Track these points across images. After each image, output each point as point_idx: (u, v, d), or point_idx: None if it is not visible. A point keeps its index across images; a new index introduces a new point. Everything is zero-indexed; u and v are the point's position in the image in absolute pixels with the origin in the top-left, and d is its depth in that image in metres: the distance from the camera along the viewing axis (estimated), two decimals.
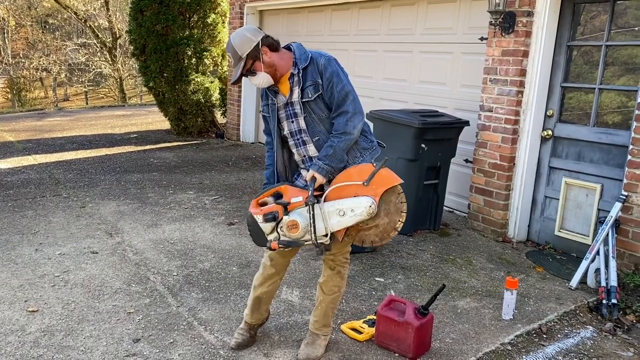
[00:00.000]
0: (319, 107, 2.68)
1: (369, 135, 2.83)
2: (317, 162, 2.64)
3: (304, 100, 2.68)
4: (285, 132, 2.79)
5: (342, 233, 2.62)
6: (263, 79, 2.65)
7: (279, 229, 2.61)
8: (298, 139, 2.77)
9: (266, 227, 2.62)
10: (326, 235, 2.58)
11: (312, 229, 2.55)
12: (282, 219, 2.58)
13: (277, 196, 2.67)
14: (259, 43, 2.60)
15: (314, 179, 2.61)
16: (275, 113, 2.78)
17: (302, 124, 2.72)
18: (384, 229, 2.61)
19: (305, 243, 2.62)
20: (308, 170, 2.71)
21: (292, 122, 2.75)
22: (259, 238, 2.69)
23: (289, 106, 2.73)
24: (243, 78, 2.70)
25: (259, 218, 2.61)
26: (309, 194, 2.55)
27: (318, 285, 2.93)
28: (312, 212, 2.54)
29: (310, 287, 3.70)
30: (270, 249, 2.63)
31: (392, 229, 2.60)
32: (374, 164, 2.60)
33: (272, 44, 2.66)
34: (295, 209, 2.58)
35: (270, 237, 2.63)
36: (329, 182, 2.66)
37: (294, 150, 2.82)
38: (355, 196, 2.53)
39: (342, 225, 2.56)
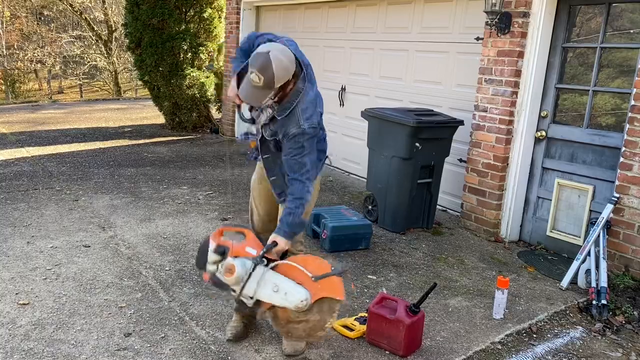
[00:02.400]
0: (272, 142, 2.70)
1: (322, 146, 2.83)
2: (281, 228, 2.63)
3: (262, 131, 2.69)
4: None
5: (268, 306, 2.57)
6: (270, 102, 2.60)
7: (219, 266, 2.59)
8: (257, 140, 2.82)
9: (212, 256, 2.60)
10: (252, 298, 2.54)
11: (243, 284, 2.51)
12: (225, 258, 2.57)
13: (240, 237, 2.67)
14: (292, 75, 2.53)
15: (274, 243, 2.58)
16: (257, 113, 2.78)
17: (259, 135, 2.76)
18: (313, 326, 2.54)
19: (232, 294, 2.60)
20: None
21: (258, 129, 2.78)
22: (201, 260, 2.70)
23: (260, 120, 2.74)
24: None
25: (212, 245, 2.61)
26: (260, 255, 2.53)
27: None
28: (252, 271, 2.51)
29: None
30: (202, 278, 2.63)
31: (320, 328, 2.53)
32: (332, 268, 2.52)
33: (296, 74, 2.58)
34: (241, 258, 2.55)
35: (209, 268, 2.62)
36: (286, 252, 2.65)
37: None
38: (298, 283, 2.49)
39: (270, 300, 2.52)
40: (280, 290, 2.49)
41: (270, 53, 2.45)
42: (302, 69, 2.62)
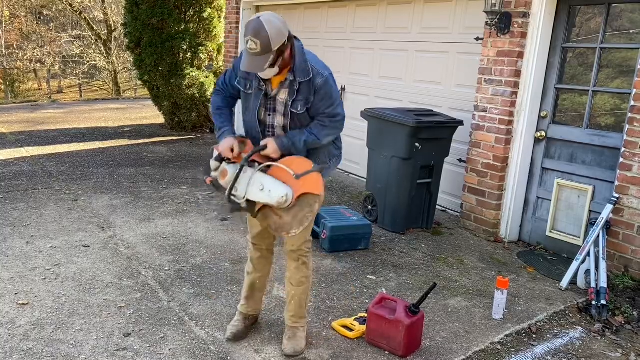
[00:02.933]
0: (303, 116, 2.71)
1: (339, 143, 2.90)
2: (281, 137, 2.67)
3: (292, 110, 2.68)
4: (261, 118, 2.79)
5: (260, 205, 2.70)
6: (273, 72, 2.59)
7: (219, 171, 2.78)
8: (270, 132, 2.78)
9: (213, 164, 2.79)
10: (244, 199, 2.68)
11: (231, 184, 2.68)
12: (220, 165, 2.76)
13: (241, 146, 2.80)
14: (289, 37, 2.55)
15: (264, 146, 2.67)
16: (260, 98, 2.74)
17: (281, 122, 2.74)
18: (282, 224, 2.65)
19: (225, 194, 2.74)
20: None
21: (270, 115, 2.75)
22: (207, 169, 2.88)
23: (271, 100, 2.72)
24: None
25: (215, 153, 2.79)
26: (246, 156, 2.67)
27: (286, 280, 2.98)
28: (238, 172, 2.66)
29: (312, 286, 3.70)
30: (205, 181, 2.84)
31: (285, 229, 2.64)
32: (313, 165, 2.64)
33: (292, 40, 2.60)
34: (236, 164, 2.72)
35: (212, 174, 2.81)
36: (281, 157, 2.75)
37: (261, 136, 2.83)
38: (282, 182, 2.62)
39: (258, 198, 2.65)
40: (265, 188, 2.62)
41: (261, 17, 2.48)
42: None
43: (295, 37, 2.65)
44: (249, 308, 3.06)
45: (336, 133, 2.77)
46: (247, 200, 2.68)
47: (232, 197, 2.71)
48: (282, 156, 2.70)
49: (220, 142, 2.76)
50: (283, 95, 2.68)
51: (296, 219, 2.61)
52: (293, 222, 2.62)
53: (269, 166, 2.69)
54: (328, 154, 2.85)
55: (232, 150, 2.71)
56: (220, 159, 2.75)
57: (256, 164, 2.70)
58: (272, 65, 2.54)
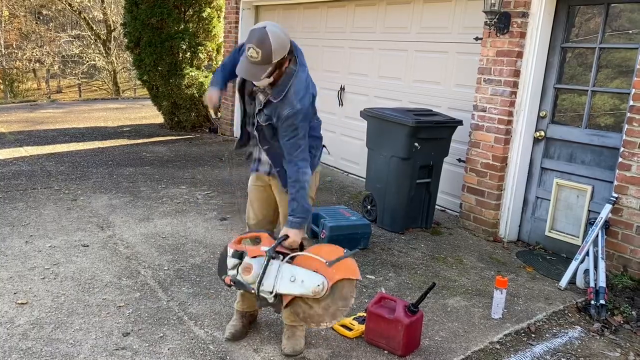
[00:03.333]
0: (268, 129, 2.69)
1: (313, 150, 2.81)
2: (289, 219, 2.67)
3: (257, 116, 2.68)
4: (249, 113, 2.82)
5: (288, 299, 2.65)
6: (266, 82, 2.59)
7: (239, 268, 2.69)
8: (254, 133, 2.80)
9: (231, 261, 2.71)
10: (271, 293, 2.61)
11: (260, 279, 2.60)
12: (240, 263, 2.67)
13: (257, 241, 2.77)
14: (291, 50, 2.54)
15: (285, 235, 2.64)
16: (251, 102, 2.76)
17: (254, 121, 2.75)
18: (312, 314, 2.60)
19: (252, 291, 2.67)
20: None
21: (253, 120, 2.77)
22: (221, 267, 2.82)
23: (255, 104, 2.74)
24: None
25: (230, 251, 2.71)
26: (272, 247, 2.61)
27: None
28: (265, 265, 2.59)
29: None
30: (224, 282, 2.75)
31: (315, 321, 2.59)
32: (345, 251, 2.58)
33: (291, 53, 2.59)
34: (258, 258, 2.64)
35: (230, 272, 2.72)
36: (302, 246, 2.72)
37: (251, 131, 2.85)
38: (314, 271, 2.56)
39: (289, 291, 2.58)
40: (297, 279, 2.56)
41: (267, 27, 2.46)
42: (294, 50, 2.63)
43: (297, 55, 2.63)
44: (244, 305, 3.05)
45: (305, 163, 2.65)
46: (276, 294, 2.61)
47: (260, 293, 2.62)
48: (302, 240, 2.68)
49: (207, 92, 2.79)
50: (260, 98, 2.69)
51: (328, 311, 2.55)
52: (325, 314, 2.55)
53: (294, 257, 2.62)
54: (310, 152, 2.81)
55: (213, 100, 2.74)
56: (239, 256, 2.66)
57: (281, 256, 2.63)
58: (268, 76, 2.54)
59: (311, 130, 2.77)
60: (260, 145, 2.82)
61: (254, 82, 2.63)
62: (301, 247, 2.73)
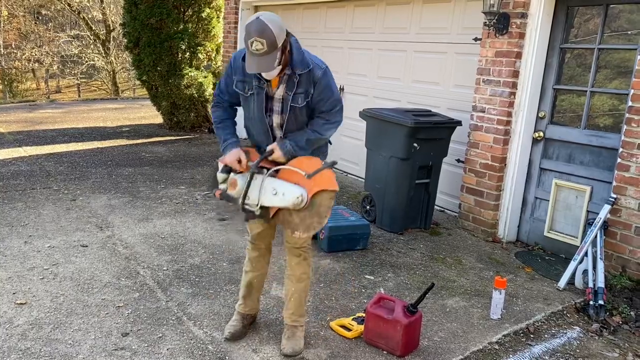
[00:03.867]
0: (302, 112, 2.72)
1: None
2: (285, 142, 2.70)
3: (292, 104, 2.69)
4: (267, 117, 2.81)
5: (274, 210, 2.73)
6: (277, 70, 2.58)
7: (227, 182, 2.79)
8: (276, 130, 2.80)
9: (220, 176, 2.81)
10: (257, 206, 2.71)
11: (244, 193, 2.71)
12: (228, 177, 2.77)
13: (245, 155, 2.81)
14: (288, 34, 2.57)
15: (271, 151, 2.70)
16: (262, 97, 2.72)
17: (278, 120, 2.75)
18: (317, 219, 2.64)
19: (238, 204, 2.76)
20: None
21: (269, 116, 2.76)
22: (213, 182, 2.91)
23: (269, 100, 2.72)
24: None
25: (220, 166, 2.80)
26: (255, 163, 2.70)
27: (286, 278, 2.99)
28: (249, 180, 2.67)
29: (310, 286, 3.70)
30: (214, 195, 2.85)
31: (323, 217, 2.64)
32: (323, 162, 2.67)
33: (289, 37, 2.61)
34: (244, 173, 2.74)
35: (220, 186, 2.82)
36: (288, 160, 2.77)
37: (265, 138, 2.85)
38: (295, 183, 2.64)
39: (272, 203, 2.67)
40: (279, 192, 2.63)
41: (260, 17, 2.47)
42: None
43: (289, 33, 2.65)
44: (247, 307, 3.06)
45: (337, 125, 2.78)
46: (261, 207, 2.70)
47: (245, 206, 2.72)
48: (289, 159, 2.72)
49: (226, 154, 2.77)
50: (281, 92, 2.68)
51: (304, 222, 2.63)
52: (300, 224, 2.64)
53: (277, 170, 2.70)
54: (323, 152, 2.88)
55: (240, 162, 2.73)
56: (227, 171, 2.76)
57: (265, 170, 2.71)
58: (279, 63, 2.54)
59: None
60: (281, 133, 2.78)
61: (265, 77, 2.62)
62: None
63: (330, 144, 2.99)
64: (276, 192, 2.63)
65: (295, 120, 2.74)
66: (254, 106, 2.75)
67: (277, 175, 2.71)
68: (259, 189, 2.68)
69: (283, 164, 2.72)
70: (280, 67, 2.56)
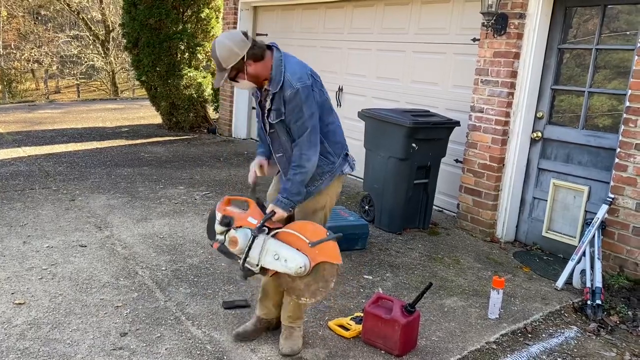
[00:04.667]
0: (281, 131, 2.73)
1: (331, 157, 2.82)
2: (278, 196, 2.71)
3: (268, 120, 2.74)
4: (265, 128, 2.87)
5: (272, 272, 2.72)
6: (245, 85, 2.70)
7: (226, 236, 2.75)
8: (270, 142, 2.87)
9: (218, 228, 2.77)
10: (257, 266, 2.69)
11: (245, 254, 2.68)
12: (230, 229, 2.72)
13: (245, 206, 2.82)
14: (244, 57, 2.61)
15: (272, 212, 2.69)
16: (258, 110, 2.85)
17: (268, 129, 2.81)
18: (314, 289, 2.64)
19: (238, 261, 2.74)
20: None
21: (266, 126, 2.82)
22: (210, 232, 2.89)
23: (265, 111, 2.78)
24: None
25: (219, 216, 2.77)
26: (259, 225, 2.67)
27: None
28: (251, 242, 2.66)
29: None
30: (212, 246, 2.83)
31: (296, 294, 2.66)
32: (328, 233, 2.62)
33: (256, 55, 2.64)
34: (244, 229, 2.70)
35: (218, 238, 2.79)
36: (291, 217, 2.78)
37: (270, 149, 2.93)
38: (297, 250, 2.60)
39: (273, 267, 2.65)
40: (281, 258, 2.61)
41: (217, 39, 2.64)
42: (270, 46, 2.71)
43: (275, 48, 2.72)
44: (261, 311, 3.05)
45: (312, 151, 2.66)
46: (261, 267, 2.68)
47: (245, 264, 2.70)
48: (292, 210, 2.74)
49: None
50: (267, 105, 2.74)
51: (309, 289, 2.61)
52: (305, 290, 2.62)
53: (278, 232, 2.68)
54: (318, 172, 2.78)
55: (262, 167, 2.88)
56: (227, 223, 2.71)
57: (266, 229, 2.68)
58: (233, 80, 2.67)
59: (329, 135, 2.79)
60: (274, 154, 2.85)
61: (236, 87, 2.81)
62: (291, 218, 2.79)
63: (354, 162, 2.95)
64: (278, 257, 2.61)
65: (278, 137, 2.76)
66: (258, 119, 2.90)
67: (279, 236, 2.67)
68: (260, 249, 2.65)
69: (291, 217, 2.75)
70: (250, 82, 2.68)
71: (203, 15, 8.92)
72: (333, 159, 2.82)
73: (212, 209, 2.87)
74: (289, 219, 2.79)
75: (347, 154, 2.92)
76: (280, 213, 2.69)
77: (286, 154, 2.77)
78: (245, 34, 2.65)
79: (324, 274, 2.59)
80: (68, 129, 9.06)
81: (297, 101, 2.61)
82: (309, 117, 2.65)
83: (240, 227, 2.71)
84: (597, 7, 4.32)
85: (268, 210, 2.71)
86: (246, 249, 2.66)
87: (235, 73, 2.64)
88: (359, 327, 3.11)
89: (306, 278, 2.61)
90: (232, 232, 2.70)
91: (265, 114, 2.76)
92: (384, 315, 2.95)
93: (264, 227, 2.68)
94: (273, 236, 2.67)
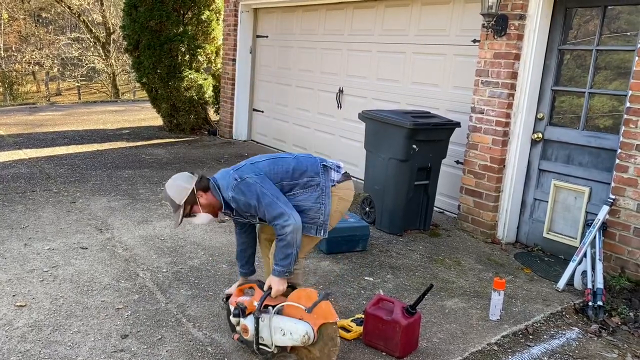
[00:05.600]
0: (256, 220, 2.89)
1: (306, 202, 2.83)
2: (273, 268, 2.77)
3: (241, 221, 2.95)
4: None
5: (289, 347, 2.77)
6: (204, 218, 2.84)
7: (239, 327, 2.85)
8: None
9: (234, 320, 2.87)
10: (273, 345, 2.75)
11: (255, 338, 2.76)
12: (239, 320, 2.83)
13: (251, 292, 2.93)
14: (193, 189, 2.76)
15: (269, 289, 2.75)
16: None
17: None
18: (313, 358, 2.69)
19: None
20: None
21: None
22: (230, 326, 3.00)
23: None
24: None
25: (232, 309, 2.87)
26: (258, 308, 2.73)
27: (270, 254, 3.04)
28: (256, 326, 2.74)
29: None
30: (233, 338, 2.95)
31: (333, 350, 2.65)
32: (318, 294, 2.68)
33: (205, 186, 2.82)
34: (252, 314, 2.78)
35: (237, 329, 2.88)
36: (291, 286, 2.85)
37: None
38: (300, 319, 2.67)
39: (284, 343, 2.71)
40: (286, 332, 2.68)
41: (166, 184, 2.85)
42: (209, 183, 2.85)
43: (207, 178, 2.87)
44: None
45: (281, 219, 2.68)
46: (276, 346, 2.75)
47: (261, 347, 2.78)
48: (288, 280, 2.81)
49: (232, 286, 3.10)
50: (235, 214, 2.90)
51: (324, 352, 2.65)
52: (323, 356, 2.66)
53: (281, 307, 2.74)
54: (313, 204, 2.85)
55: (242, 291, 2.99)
56: (238, 314, 2.79)
57: (270, 308, 2.75)
58: (189, 215, 2.82)
59: (300, 203, 2.81)
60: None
61: (197, 223, 2.93)
62: (294, 287, 2.87)
63: (349, 175, 3.01)
64: (284, 333, 2.68)
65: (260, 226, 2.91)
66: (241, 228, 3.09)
67: (283, 311, 2.74)
68: (269, 330, 2.73)
69: (291, 286, 2.82)
70: (208, 215, 2.84)
71: (203, 17, 8.92)
72: (316, 183, 2.85)
73: (227, 302, 3.00)
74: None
75: (324, 166, 2.92)
76: (276, 285, 2.74)
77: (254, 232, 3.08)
78: (191, 173, 2.86)
79: (328, 333, 2.65)
80: (69, 131, 9.07)
81: (240, 202, 2.74)
82: (258, 202, 2.71)
83: (249, 313, 2.79)
84: (597, 8, 4.33)
85: (265, 287, 2.80)
86: (255, 332, 2.74)
87: (190, 207, 2.80)
88: (360, 328, 3.10)
89: (318, 344, 2.66)
90: (241, 320, 2.80)
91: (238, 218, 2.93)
92: (385, 316, 2.95)
93: (268, 306, 2.75)
94: (278, 312, 2.74)
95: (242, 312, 2.78)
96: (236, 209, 2.80)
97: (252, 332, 2.76)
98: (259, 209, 2.72)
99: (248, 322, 2.78)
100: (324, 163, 2.93)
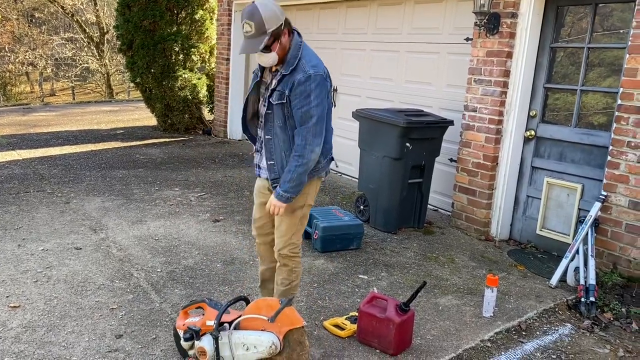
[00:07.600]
0: (278, 114, 2.68)
1: (321, 157, 2.78)
2: (278, 190, 2.67)
3: (269, 98, 2.69)
4: (256, 107, 2.85)
5: None
6: (272, 58, 2.61)
7: (195, 350, 2.64)
8: (261, 122, 2.80)
9: (186, 345, 2.65)
10: None
11: (216, 358, 2.58)
12: (194, 342, 2.62)
13: (200, 312, 2.74)
14: (282, 23, 2.56)
15: (227, 305, 2.62)
16: (254, 84, 2.81)
17: (263, 110, 2.76)
18: (297, 357, 2.56)
19: None
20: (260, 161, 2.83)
21: (264, 105, 2.77)
22: (180, 349, 2.78)
23: (268, 89, 2.74)
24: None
25: (181, 334, 2.69)
26: (215, 326, 2.56)
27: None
28: (215, 346, 2.56)
29: (304, 286, 3.71)
30: None
31: (304, 356, 2.57)
32: (280, 301, 2.57)
33: (290, 27, 2.62)
34: (207, 335, 2.60)
35: (189, 353, 2.69)
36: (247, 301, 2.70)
37: (255, 128, 2.90)
38: (262, 330, 2.54)
39: (250, 359, 2.54)
40: (250, 346, 2.52)
41: (255, 2, 2.53)
42: (293, 29, 2.66)
43: (297, 33, 2.68)
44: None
45: (317, 141, 2.62)
46: None
47: None
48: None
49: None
50: (273, 83, 2.69)
51: (292, 359, 2.55)
52: (299, 354, 2.56)
53: (238, 322, 2.60)
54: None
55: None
56: (189, 337, 2.60)
57: (226, 325, 2.60)
58: (267, 49, 2.56)
59: (325, 136, 2.74)
60: (264, 135, 2.77)
61: (260, 64, 2.68)
62: (247, 301, 2.75)
63: (336, 166, 2.93)
64: (247, 347, 2.52)
65: (272, 120, 2.69)
66: (249, 96, 2.83)
67: (240, 326, 2.59)
68: (230, 348, 2.55)
69: (245, 299, 2.71)
70: (277, 56, 2.60)
71: (197, 16, 8.92)
72: (320, 159, 2.80)
73: (174, 327, 2.78)
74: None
75: (332, 158, 2.92)
76: (276, 203, 2.67)
77: (275, 139, 2.72)
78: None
79: (295, 338, 2.54)
80: (63, 132, 9.04)
81: (306, 86, 2.57)
82: (316, 105, 2.59)
83: (204, 334, 2.61)
84: (588, 5, 4.35)
85: (267, 206, 2.70)
86: (214, 352, 2.56)
87: (272, 40, 2.54)
88: (354, 326, 3.12)
89: (285, 352, 2.53)
90: (196, 343, 2.60)
91: (268, 94, 2.70)
92: (379, 314, 2.96)
93: (223, 324, 2.60)
94: (235, 328, 2.58)
95: (195, 334, 2.59)
96: (292, 80, 2.58)
97: (212, 353, 2.57)
98: (305, 109, 2.56)
99: (205, 343, 2.58)
100: (332, 157, 2.93)
